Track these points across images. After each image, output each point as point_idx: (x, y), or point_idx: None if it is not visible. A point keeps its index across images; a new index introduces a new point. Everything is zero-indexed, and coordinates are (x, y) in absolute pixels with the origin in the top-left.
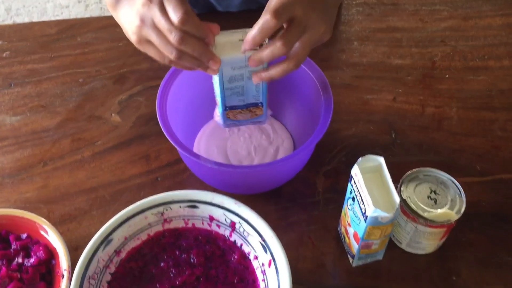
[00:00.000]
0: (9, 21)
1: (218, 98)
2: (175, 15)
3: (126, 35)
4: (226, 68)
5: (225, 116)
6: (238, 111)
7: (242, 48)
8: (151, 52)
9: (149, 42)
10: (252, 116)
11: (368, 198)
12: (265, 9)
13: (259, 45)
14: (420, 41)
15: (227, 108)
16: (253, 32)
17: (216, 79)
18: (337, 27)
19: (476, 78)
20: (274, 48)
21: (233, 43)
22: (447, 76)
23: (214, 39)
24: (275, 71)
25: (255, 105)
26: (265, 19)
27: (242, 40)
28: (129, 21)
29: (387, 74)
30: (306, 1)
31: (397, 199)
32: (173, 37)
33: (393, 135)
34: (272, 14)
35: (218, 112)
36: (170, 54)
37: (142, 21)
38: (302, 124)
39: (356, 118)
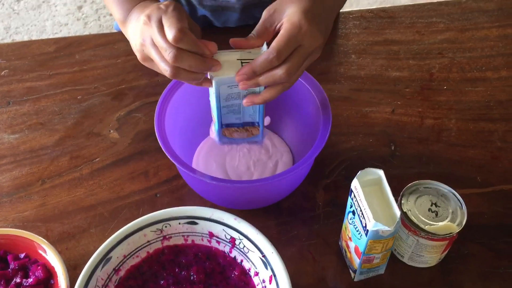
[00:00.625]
0: (8, 40)
1: (214, 115)
2: (170, 33)
3: (134, 52)
4: (223, 86)
5: (221, 134)
6: (234, 129)
7: (237, 79)
8: (155, 68)
9: (150, 59)
10: (249, 135)
11: (369, 212)
12: (271, 45)
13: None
14: (417, 53)
15: (223, 126)
16: (252, 67)
17: (212, 97)
18: (334, 41)
19: (474, 89)
20: (274, 76)
21: (231, 62)
22: (445, 87)
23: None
24: (269, 94)
25: (252, 124)
26: (267, 57)
27: (240, 60)
28: (134, 38)
29: (385, 87)
30: (313, 30)
31: (398, 212)
32: (167, 54)
33: (393, 147)
34: (277, 55)
35: (213, 128)
36: (166, 72)
37: (143, 39)
38: (301, 138)
39: (355, 131)
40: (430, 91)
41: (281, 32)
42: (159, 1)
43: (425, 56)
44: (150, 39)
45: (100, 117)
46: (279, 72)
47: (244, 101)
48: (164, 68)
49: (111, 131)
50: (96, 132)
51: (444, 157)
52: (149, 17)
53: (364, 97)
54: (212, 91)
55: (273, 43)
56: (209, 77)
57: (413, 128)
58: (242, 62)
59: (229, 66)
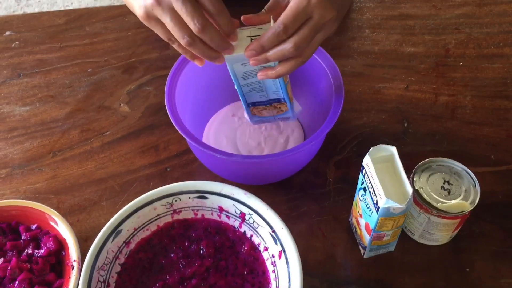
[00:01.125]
0: (19, 12)
1: (240, 96)
2: (211, 4)
3: (130, 7)
4: (237, 65)
5: (250, 113)
6: (262, 107)
7: (246, 54)
8: (158, 31)
9: (158, 20)
10: (278, 112)
11: (380, 189)
12: (278, 19)
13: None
14: (433, 28)
15: (249, 105)
16: (260, 42)
17: (232, 78)
18: (348, 15)
19: (491, 66)
20: (283, 50)
21: (241, 39)
22: (461, 64)
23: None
24: (282, 69)
25: (278, 101)
26: (274, 31)
27: (250, 36)
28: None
29: (399, 63)
30: (323, 1)
31: (410, 190)
32: (194, 23)
33: (406, 125)
34: (283, 28)
35: (245, 111)
36: (182, 39)
37: (158, 2)
38: (313, 114)
39: (368, 107)
40: (446, 67)
41: (290, 4)
42: None
43: (441, 31)
44: (169, 4)
45: (110, 91)
46: (287, 46)
47: (258, 74)
48: (180, 35)
49: (122, 104)
50: (107, 105)
51: (458, 135)
52: None
53: (378, 73)
54: (229, 71)
55: (281, 17)
56: None
57: (427, 105)
58: (252, 39)
59: (239, 43)
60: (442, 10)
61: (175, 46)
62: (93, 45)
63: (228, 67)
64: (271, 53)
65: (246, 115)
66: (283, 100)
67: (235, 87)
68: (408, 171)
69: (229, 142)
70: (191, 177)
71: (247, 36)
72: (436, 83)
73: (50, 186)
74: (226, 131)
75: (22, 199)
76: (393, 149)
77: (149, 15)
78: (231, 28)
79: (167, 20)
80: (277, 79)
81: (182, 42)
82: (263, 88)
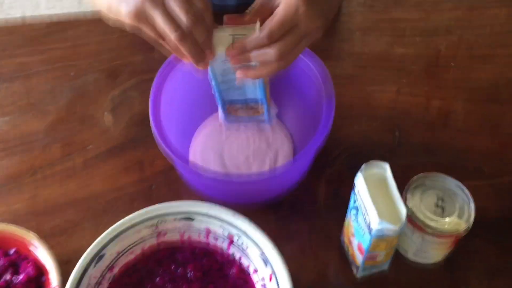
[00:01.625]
0: (2, 15)
1: (216, 93)
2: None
3: (110, 11)
4: (217, 62)
5: (226, 112)
6: (239, 106)
7: (227, 53)
8: (146, 29)
9: (148, 17)
10: (254, 113)
11: (373, 210)
12: (264, 24)
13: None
14: (424, 30)
15: (226, 103)
16: (243, 44)
17: (210, 74)
18: (338, 18)
19: (483, 67)
20: (266, 55)
21: (222, 37)
22: (452, 65)
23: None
24: (262, 70)
25: (255, 101)
26: (258, 35)
27: (233, 35)
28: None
29: (390, 64)
30: (310, 11)
31: (404, 210)
32: (186, 16)
33: (397, 133)
34: (268, 35)
35: (220, 109)
36: (172, 33)
37: None
38: (302, 121)
39: (359, 113)
40: (437, 68)
41: (277, 11)
42: None
43: (432, 33)
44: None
45: (94, 97)
46: (270, 51)
47: (238, 72)
48: (172, 29)
49: (105, 113)
50: (90, 114)
51: (451, 144)
52: None
53: (369, 74)
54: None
55: (267, 22)
56: None
57: (419, 111)
58: (234, 38)
59: (220, 40)
60: (433, 14)
61: (163, 44)
62: (76, 48)
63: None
64: (253, 55)
65: (220, 115)
66: (260, 101)
67: (212, 84)
68: (401, 185)
69: (217, 157)
70: (178, 195)
71: (229, 35)
72: (427, 85)
73: (30, 207)
74: (213, 144)
75: (0, 221)
76: (386, 166)
77: (139, 12)
78: (212, 24)
79: (156, 14)
80: (257, 80)
81: (173, 35)
82: (241, 86)
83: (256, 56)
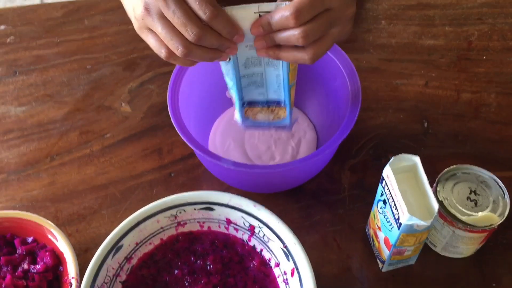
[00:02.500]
0: (14, 3)
1: (233, 91)
2: (202, 10)
3: (129, 17)
4: (240, 46)
5: (243, 114)
6: (258, 109)
7: (252, 31)
8: (150, 42)
9: (151, 31)
10: (275, 118)
11: (403, 204)
12: (292, 1)
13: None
14: (454, 18)
15: (245, 104)
16: (268, 19)
17: (228, 66)
18: (362, 5)
19: None
20: (289, 36)
21: (246, 16)
22: (484, 57)
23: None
24: (285, 55)
25: (277, 103)
26: (284, 13)
27: (258, 12)
28: (132, 4)
29: (418, 57)
30: None
31: (436, 205)
32: (189, 33)
33: (426, 125)
34: (293, 15)
35: (236, 110)
36: (176, 50)
37: (147, 7)
38: (326, 113)
39: (385, 106)
40: (468, 61)
41: None
42: None
43: (463, 22)
44: (159, 10)
45: (111, 89)
46: (295, 32)
47: (258, 49)
48: (175, 46)
49: (123, 104)
50: (107, 105)
51: (482, 135)
52: None
53: (395, 68)
54: (226, 62)
55: (295, 0)
56: None
57: (449, 103)
58: (260, 15)
59: (245, 20)
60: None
61: (170, 60)
62: (93, 39)
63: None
64: (277, 35)
65: (237, 117)
66: (283, 103)
67: (229, 81)
68: (429, 176)
69: (237, 146)
70: (197, 183)
71: (255, 13)
72: (458, 79)
73: (48, 194)
74: (233, 134)
75: (18, 207)
76: (416, 159)
77: (142, 26)
78: (232, 30)
79: (159, 30)
80: (282, 77)
81: (177, 53)
82: (264, 84)
83: (280, 37)
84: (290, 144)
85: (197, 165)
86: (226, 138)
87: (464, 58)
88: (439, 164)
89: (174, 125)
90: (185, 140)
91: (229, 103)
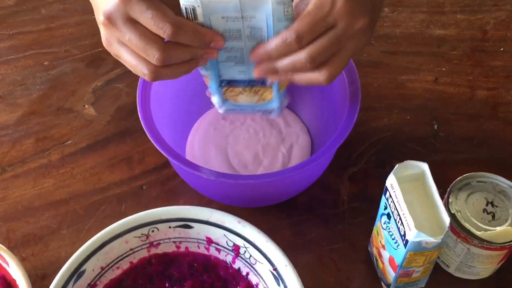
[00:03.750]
0: None
1: (209, 70)
2: (163, 31)
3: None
4: (215, 17)
5: (222, 96)
6: (240, 90)
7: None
8: (124, 58)
9: (120, 43)
10: (259, 101)
11: (409, 218)
12: (291, 26)
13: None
14: (467, 5)
15: (223, 83)
16: (266, 50)
17: None
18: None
19: None
20: (295, 63)
21: None
22: (502, 49)
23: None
24: (298, 78)
25: (262, 83)
26: (285, 39)
27: None
28: (97, 15)
29: (426, 49)
30: (351, 6)
31: (447, 219)
32: (152, 57)
33: (435, 126)
34: (296, 38)
35: (213, 92)
36: (144, 75)
37: (108, 39)
38: (321, 113)
39: (389, 105)
40: (483, 53)
41: (307, 8)
42: None
43: (477, 8)
44: (118, 41)
45: (72, 89)
46: (300, 56)
47: (256, 68)
48: (142, 73)
49: (86, 106)
50: (68, 107)
51: (500, 138)
52: (109, 19)
53: (400, 61)
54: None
55: (295, 23)
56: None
57: (461, 101)
58: None
59: None
60: None
61: (145, 72)
62: (51, 31)
63: (200, 18)
64: (280, 63)
65: (214, 100)
66: (268, 83)
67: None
68: (441, 187)
69: (219, 154)
70: (172, 197)
71: None
72: (472, 74)
73: None
74: (215, 140)
75: None
76: (424, 166)
77: (108, 47)
78: (204, 38)
79: (123, 58)
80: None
81: (146, 78)
82: (245, 60)
83: (284, 65)
84: (281, 151)
85: (173, 176)
86: (206, 144)
87: (478, 50)
88: (451, 171)
89: (145, 130)
90: (158, 148)
91: (209, 103)
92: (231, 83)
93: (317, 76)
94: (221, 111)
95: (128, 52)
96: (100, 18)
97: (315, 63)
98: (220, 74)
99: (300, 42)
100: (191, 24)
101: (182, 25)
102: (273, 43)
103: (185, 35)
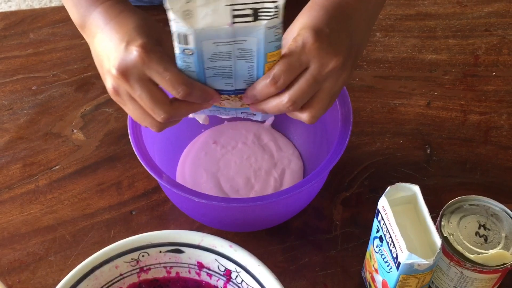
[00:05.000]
0: None
1: (197, 80)
2: (176, 92)
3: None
4: (207, 42)
5: None
6: (225, 97)
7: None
8: (130, 109)
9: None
10: (243, 105)
11: (401, 240)
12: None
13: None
14: (459, 30)
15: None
16: (253, 92)
17: (188, 61)
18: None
19: None
20: (279, 105)
21: (217, 9)
22: (494, 74)
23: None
24: (290, 115)
25: None
26: (265, 81)
27: (230, 5)
28: (101, 73)
29: (418, 73)
30: (321, 47)
31: (438, 241)
32: (158, 116)
33: (428, 151)
34: (272, 81)
35: None
36: (150, 127)
37: (116, 90)
38: (313, 138)
39: (381, 129)
40: (475, 78)
41: (284, 51)
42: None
43: (469, 33)
44: (128, 94)
45: (60, 113)
46: (282, 100)
47: (251, 107)
48: (146, 125)
49: (75, 131)
50: (56, 132)
51: (493, 163)
52: (123, 73)
53: (392, 86)
54: (183, 48)
55: (274, 66)
56: (185, 31)
57: (454, 125)
58: (234, 11)
59: (215, 13)
60: (468, 8)
61: (149, 126)
62: (39, 56)
63: (191, 44)
64: (266, 106)
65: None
66: None
67: (189, 69)
68: (434, 210)
69: (210, 178)
70: (163, 222)
71: (226, 5)
72: (464, 99)
73: None
74: (206, 164)
75: None
76: (416, 188)
77: (117, 91)
78: (207, 97)
79: (130, 111)
80: (256, 67)
81: (152, 129)
82: (233, 75)
83: (270, 108)
84: (273, 175)
85: (163, 201)
86: (197, 169)
87: (470, 75)
88: (445, 195)
89: (135, 152)
90: (148, 170)
91: (199, 128)
92: (217, 92)
93: (303, 117)
94: (200, 119)
95: (135, 106)
96: (112, 70)
97: (297, 106)
98: (206, 85)
99: (277, 85)
100: (199, 85)
101: (194, 87)
102: (257, 87)
103: (194, 96)
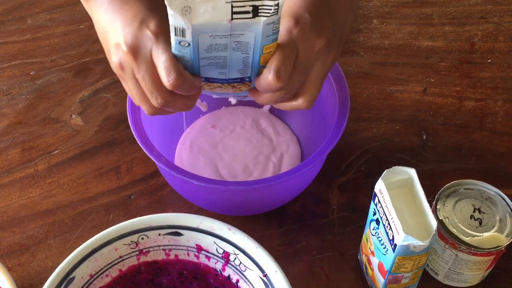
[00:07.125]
0: None
1: (190, 68)
2: (167, 77)
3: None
4: (204, 35)
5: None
6: (217, 85)
7: (250, 94)
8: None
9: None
10: (236, 91)
11: (397, 222)
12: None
13: None
14: (455, 17)
15: (202, 80)
16: (257, 86)
17: (184, 51)
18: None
19: None
20: (275, 96)
21: (217, 6)
22: (489, 60)
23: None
24: (283, 106)
25: (241, 80)
26: (267, 78)
27: (230, 2)
28: (107, 46)
29: (415, 60)
30: (306, 28)
31: (434, 223)
32: (154, 100)
33: (424, 137)
34: (276, 78)
35: None
36: (144, 109)
37: (122, 65)
38: (310, 124)
39: (378, 115)
40: (471, 65)
41: (277, 45)
42: None
43: (465, 21)
44: (132, 72)
45: (58, 98)
46: (279, 91)
47: (250, 92)
48: (143, 107)
49: (73, 116)
50: (54, 117)
51: (488, 148)
52: (134, 50)
53: (389, 72)
54: (180, 40)
55: (271, 61)
56: (184, 26)
57: (450, 112)
58: (233, 5)
59: (214, 8)
60: None
61: (143, 108)
62: (37, 41)
63: (188, 37)
64: (262, 98)
65: None
66: (247, 79)
67: (183, 56)
68: (429, 195)
69: (208, 164)
70: (161, 206)
71: (226, 2)
72: (460, 85)
73: None
74: (204, 148)
75: None
76: (412, 172)
77: (123, 67)
78: (196, 93)
79: (130, 88)
80: (251, 58)
81: (145, 112)
82: (227, 65)
83: (268, 99)
84: (271, 160)
85: (162, 185)
86: (195, 154)
87: (466, 62)
88: (440, 181)
89: (135, 135)
90: (148, 154)
91: (197, 114)
92: (210, 80)
93: (299, 104)
94: (202, 107)
95: (135, 85)
96: (122, 45)
97: (291, 94)
98: (200, 74)
99: (280, 77)
100: (191, 80)
101: (184, 80)
102: (261, 82)
103: (184, 89)
